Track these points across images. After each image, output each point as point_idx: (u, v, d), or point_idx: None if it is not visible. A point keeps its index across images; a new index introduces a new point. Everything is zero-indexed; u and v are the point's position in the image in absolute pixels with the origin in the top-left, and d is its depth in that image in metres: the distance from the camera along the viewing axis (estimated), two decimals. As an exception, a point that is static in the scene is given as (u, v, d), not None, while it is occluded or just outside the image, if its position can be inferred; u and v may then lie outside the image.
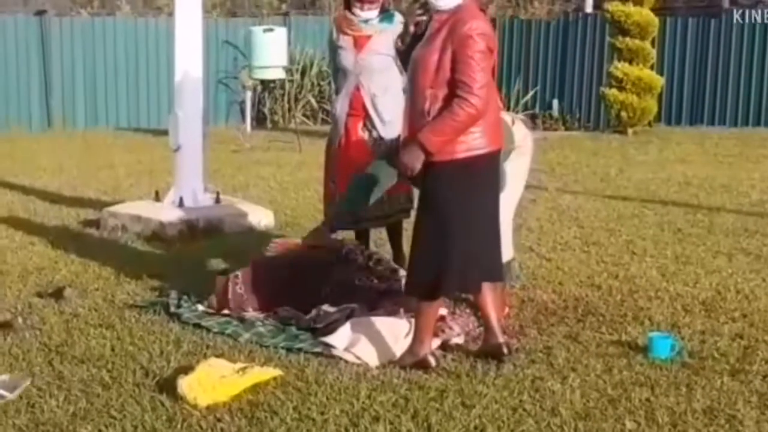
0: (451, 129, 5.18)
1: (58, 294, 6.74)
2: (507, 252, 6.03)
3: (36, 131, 18.21)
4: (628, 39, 16.89)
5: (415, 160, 5.26)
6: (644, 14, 16.88)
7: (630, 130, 16.95)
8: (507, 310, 6.26)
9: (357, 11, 6.89)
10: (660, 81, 17.21)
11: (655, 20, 17.07)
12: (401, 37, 5.71)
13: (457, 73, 5.13)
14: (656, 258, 7.98)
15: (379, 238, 7.66)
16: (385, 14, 6.94)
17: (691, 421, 4.76)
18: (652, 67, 17.27)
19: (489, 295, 5.59)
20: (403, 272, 6.24)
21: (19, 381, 5.18)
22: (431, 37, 5.29)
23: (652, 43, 17.30)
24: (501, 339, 5.54)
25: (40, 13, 19.95)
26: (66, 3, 26.86)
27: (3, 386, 5.12)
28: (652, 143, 15.71)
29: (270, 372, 5.27)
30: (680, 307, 6.58)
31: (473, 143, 5.22)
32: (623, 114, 16.94)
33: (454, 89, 5.14)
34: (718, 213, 9.84)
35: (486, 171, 5.35)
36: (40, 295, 6.80)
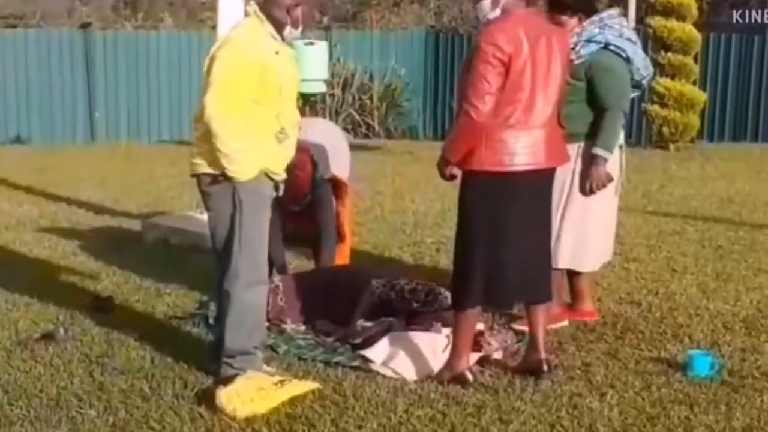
0: (455, 137, 5.34)
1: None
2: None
3: (80, 144, 18.41)
4: (670, 54, 16.81)
5: (441, 167, 5.45)
6: (687, 30, 16.80)
7: (672, 146, 16.86)
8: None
9: None
10: (703, 97, 17.11)
11: (698, 36, 16.99)
12: None
13: (465, 83, 5.20)
14: (697, 275, 7.93)
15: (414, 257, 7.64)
16: None
17: (731, 440, 4.75)
18: (694, 83, 17.18)
19: (540, 313, 5.57)
20: (443, 292, 6.28)
21: None
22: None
23: (695, 59, 17.21)
24: (542, 355, 5.52)
25: (85, 26, 20.19)
26: (110, 15, 27.13)
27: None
28: (694, 159, 15.62)
29: (308, 385, 5.29)
30: (720, 325, 6.54)
31: (493, 158, 5.22)
32: (665, 130, 16.85)
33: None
34: (760, 230, 9.75)
35: (522, 187, 5.31)
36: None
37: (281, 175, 5.45)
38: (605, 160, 6.12)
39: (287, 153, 5.43)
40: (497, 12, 5.26)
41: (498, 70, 5.11)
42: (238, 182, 5.20)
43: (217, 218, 5.35)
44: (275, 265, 6.97)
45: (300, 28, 5.34)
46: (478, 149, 5.21)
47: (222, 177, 5.22)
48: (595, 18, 6.24)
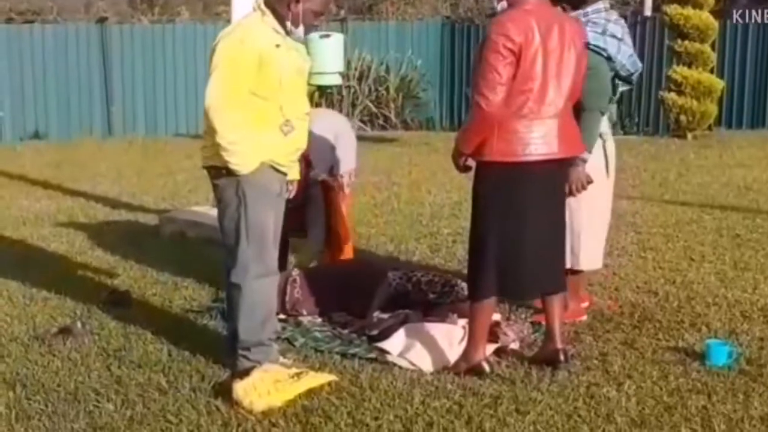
0: (467, 128, 5.36)
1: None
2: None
3: (97, 138, 18.44)
4: (687, 42, 16.72)
5: (455, 158, 5.45)
6: (703, 17, 16.71)
7: (689, 134, 16.78)
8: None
9: None
10: (720, 84, 17.01)
11: (715, 23, 16.89)
12: None
13: (476, 74, 5.21)
14: (714, 264, 7.90)
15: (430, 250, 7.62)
16: None
17: (748, 429, 4.72)
18: (711, 71, 17.09)
19: (556, 303, 5.56)
20: (459, 284, 6.27)
21: None
22: None
23: (712, 47, 17.11)
24: (559, 345, 5.51)
25: (102, 20, 20.23)
26: (126, 10, 27.18)
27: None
28: (711, 147, 15.54)
29: (324, 377, 5.29)
30: (738, 314, 6.51)
31: (506, 149, 5.20)
32: (682, 118, 16.77)
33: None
34: (779, 218, 9.72)
35: (535, 177, 5.29)
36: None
37: (292, 169, 5.46)
38: (584, 161, 5.96)
39: (296, 146, 5.42)
40: (504, 4, 5.26)
41: (508, 60, 5.10)
42: (241, 175, 5.21)
43: (225, 211, 5.37)
44: None
45: (300, 27, 5.32)
46: (490, 140, 5.20)
47: (226, 170, 5.23)
48: (579, 12, 6.07)
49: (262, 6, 5.30)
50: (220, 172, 5.28)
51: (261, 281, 5.37)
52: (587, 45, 5.93)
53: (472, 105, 5.26)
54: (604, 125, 6.26)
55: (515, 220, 5.30)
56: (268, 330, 5.47)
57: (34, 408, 5.04)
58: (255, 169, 5.22)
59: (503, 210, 5.29)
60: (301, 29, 5.34)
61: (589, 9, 6.11)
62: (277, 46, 5.25)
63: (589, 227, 6.27)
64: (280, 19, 5.29)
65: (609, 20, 6.15)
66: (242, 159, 5.19)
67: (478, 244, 5.40)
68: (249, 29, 5.28)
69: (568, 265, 6.17)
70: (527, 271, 5.39)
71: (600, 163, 6.22)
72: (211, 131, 5.20)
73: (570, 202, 6.02)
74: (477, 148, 5.26)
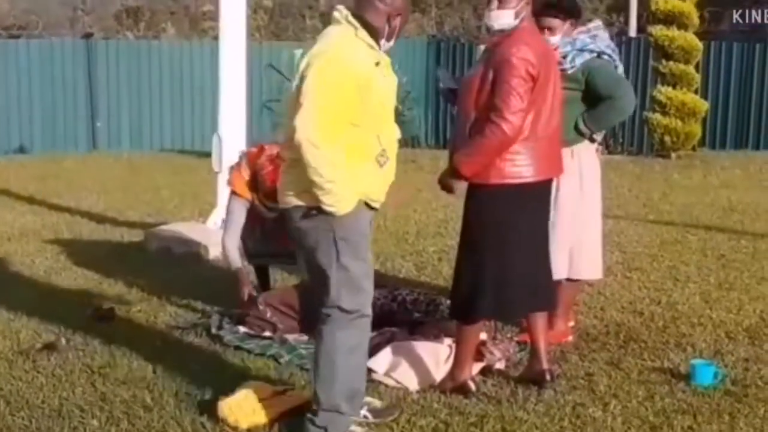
0: (480, 152, 5.18)
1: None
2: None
3: (82, 153, 18.40)
4: (671, 63, 16.82)
5: (449, 181, 5.36)
6: (688, 38, 16.81)
7: (673, 155, 16.86)
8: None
9: None
10: (704, 105, 17.11)
11: (699, 44, 17.00)
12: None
13: (494, 97, 5.11)
14: (699, 284, 7.92)
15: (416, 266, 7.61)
16: None
17: (734, 450, 4.74)
18: (696, 92, 17.17)
19: (540, 321, 5.56)
20: (445, 302, 6.26)
21: (391, 411, 5.12)
22: (480, 60, 5.33)
23: (696, 68, 17.21)
24: (545, 365, 5.51)
25: (87, 36, 20.24)
26: (112, 25, 27.18)
27: (373, 412, 5.03)
28: (695, 168, 15.61)
29: (310, 395, 5.27)
30: (723, 334, 6.53)
31: (512, 170, 5.20)
32: (667, 138, 16.85)
33: (490, 113, 5.12)
34: (763, 239, 9.74)
35: (530, 198, 5.31)
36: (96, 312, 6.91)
37: (381, 201, 4.81)
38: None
39: (389, 178, 4.76)
40: (515, 23, 5.23)
41: (529, 84, 5.10)
42: (334, 217, 4.53)
43: (312, 258, 4.69)
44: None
45: (392, 41, 4.75)
46: (494, 162, 5.18)
47: (316, 211, 4.54)
48: (583, 29, 6.23)
49: (351, 19, 4.62)
50: (308, 213, 4.58)
51: (351, 325, 4.71)
52: (600, 55, 6.11)
53: (480, 129, 5.13)
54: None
55: (514, 241, 5.29)
56: (350, 392, 4.81)
57: (18, 424, 5.02)
58: (352, 208, 4.57)
59: (502, 231, 5.27)
60: (392, 42, 4.77)
61: (591, 26, 6.30)
62: (377, 64, 4.63)
63: (596, 236, 6.35)
64: (374, 34, 4.66)
65: (605, 37, 6.34)
66: (339, 199, 4.48)
67: (476, 266, 5.35)
68: (345, 48, 4.57)
69: (567, 276, 6.19)
70: (522, 292, 5.38)
71: (597, 173, 6.34)
72: (295, 165, 4.54)
73: (573, 212, 6.06)
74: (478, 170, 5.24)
